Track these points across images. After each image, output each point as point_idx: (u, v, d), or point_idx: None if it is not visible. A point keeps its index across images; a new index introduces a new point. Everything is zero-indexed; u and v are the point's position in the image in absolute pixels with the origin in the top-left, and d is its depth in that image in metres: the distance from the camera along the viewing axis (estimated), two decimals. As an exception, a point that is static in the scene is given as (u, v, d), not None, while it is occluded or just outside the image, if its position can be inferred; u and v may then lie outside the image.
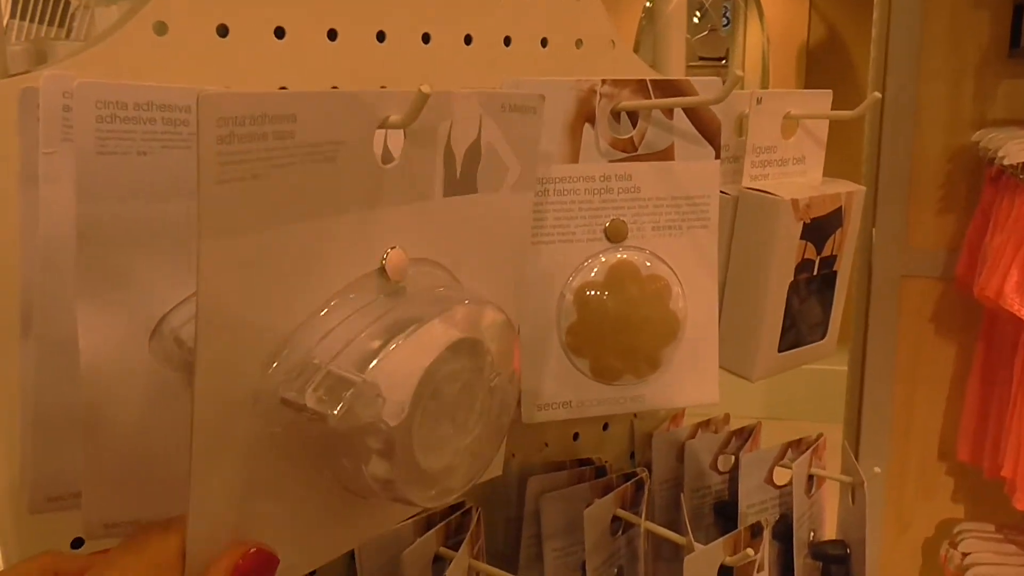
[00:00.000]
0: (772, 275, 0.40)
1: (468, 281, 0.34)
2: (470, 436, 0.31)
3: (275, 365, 0.27)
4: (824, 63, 2.67)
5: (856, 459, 1.39)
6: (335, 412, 0.26)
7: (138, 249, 0.28)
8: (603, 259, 0.37)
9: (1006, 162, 1.09)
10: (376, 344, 0.28)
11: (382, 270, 0.30)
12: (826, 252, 0.42)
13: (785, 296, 0.41)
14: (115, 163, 0.27)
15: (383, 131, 0.29)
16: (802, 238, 0.40)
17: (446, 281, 0.33)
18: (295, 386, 0.27)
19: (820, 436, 0.49)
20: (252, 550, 0.26)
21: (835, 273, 0.44)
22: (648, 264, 0.38)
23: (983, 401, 1.24)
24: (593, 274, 0.37)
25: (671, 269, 0.38)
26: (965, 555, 1.25)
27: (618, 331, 0.38)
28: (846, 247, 0.43)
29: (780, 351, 0.43)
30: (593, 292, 0.38)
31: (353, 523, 0.32)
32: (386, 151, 0.31)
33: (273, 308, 0.27)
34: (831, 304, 0.45)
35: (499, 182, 0.34)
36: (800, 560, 0.45)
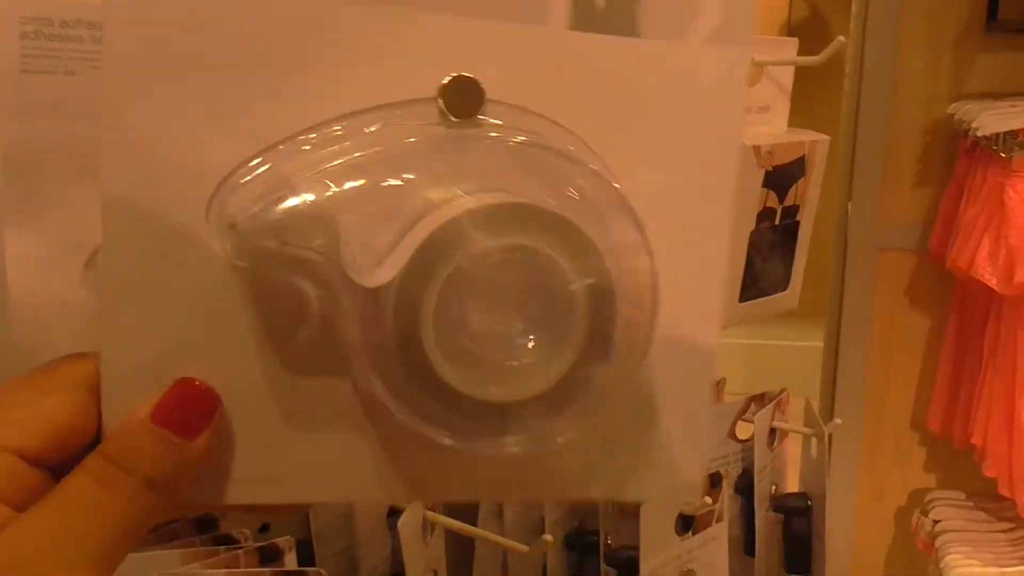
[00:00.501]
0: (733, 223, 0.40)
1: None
2: (522, 351, 0.24)
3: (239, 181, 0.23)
4: (806, 41, 2.67)
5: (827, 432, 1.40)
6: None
7: (68, 172, 0.27)
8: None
9: (980, 133, 1.10)
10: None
11: (437, 97, 0.23)
12: (788, 202, 0.42)
13: (746, 245, 0.41)
14: (40, 82, 0.25)
15: None
16: (764, 186, 0.41)
17: (566, 141, 0.25)
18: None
19: (783, 391, 0.50)
20: (191, 382, 0.23)
21: (797, 224, 0.44)
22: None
23: (955, 372, 1.26)
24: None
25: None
26: (936, 522, 1.27)
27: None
28: (809, 198, 0.44)
29: (741, 301, 0.44)
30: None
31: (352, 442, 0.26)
32: None
33: (239, 112, 0.23)
34: (793, 255, 0.45)
35: (682, 27, 0.25)
36: (762, 513, 0.46)
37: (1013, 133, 1.10)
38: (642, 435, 0.30)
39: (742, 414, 0.49)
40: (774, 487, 0.49)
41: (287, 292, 0.24)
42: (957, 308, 1.26)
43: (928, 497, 1.32)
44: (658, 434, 0.31)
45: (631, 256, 0.25)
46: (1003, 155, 1.11)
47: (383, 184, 0.23)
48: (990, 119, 1.09)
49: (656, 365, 0.29)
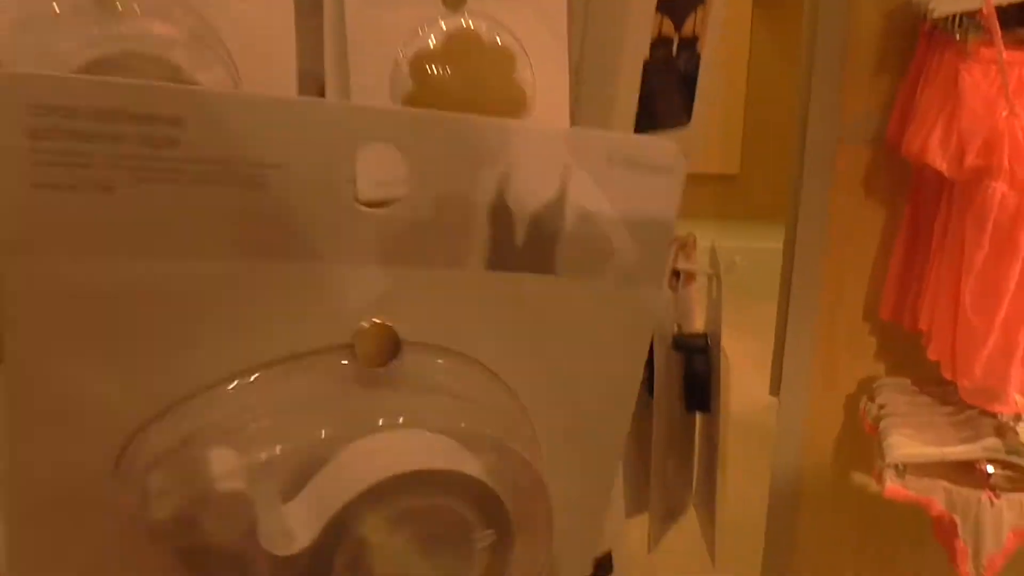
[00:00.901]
0: (625, 49, 0.40)
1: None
2: None
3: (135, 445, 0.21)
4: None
5: (786, 325, 1.43)
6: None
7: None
8: (442, 26, 0.37)
9: (935, 14, 1.09)
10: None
11: (352, 348, 0.23)
12: (686, 31, 0.42)
13: (639, 76, 0.41)
14: (61, 202, 0.19)
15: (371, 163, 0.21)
16: (658, 10, 0.40)
17: (477, 386, 0.25)
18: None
19: (689, 234, 0.50)
20: None
21: (698, 57, 0.44)
22: (491, 32, 0.38)
23: (907, 260, 1.27)
24: (431, 43, 0.37)
25: (516, 39, 0.38)
26: (882, 407, 1.31)
27: (458, 107, 0.38)
28: (710, 29, 0.43)
29: (636, 133, 0.44)
30: (431, 65, 0.37)
31: None
32: (374, 187, 0.23)
33: (140, 368, 0.21)
34: (694, 91, 0.45)
35: (598, 268, 0.26)
36: (662, 351, 0.47)
37: (970, 15, 1.09)
38: None
39: (673, 261, 0.49)
40: (677, 326, 0.50)
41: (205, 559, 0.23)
42: (912, 197, 1.27)
43: (876, 383, 1.35)
44: None
45: (532, 501, 0.25)
46: (958, 38, 1.10)
47: (295, 446, 0.23)
48: (946, 0, 1.08)
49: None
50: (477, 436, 0.25)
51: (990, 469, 1.20)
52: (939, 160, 1.11)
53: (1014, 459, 1.16)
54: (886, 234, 1.33)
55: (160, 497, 0.22)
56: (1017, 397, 1.13)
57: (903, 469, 1.21)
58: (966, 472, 1.22)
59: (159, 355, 0.21)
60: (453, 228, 0.24)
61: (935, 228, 1.19)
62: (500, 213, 0.24)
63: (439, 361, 0.25)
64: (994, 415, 1.18)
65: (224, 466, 0.22)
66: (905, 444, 1.21)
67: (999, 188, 1.07)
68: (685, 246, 0.48)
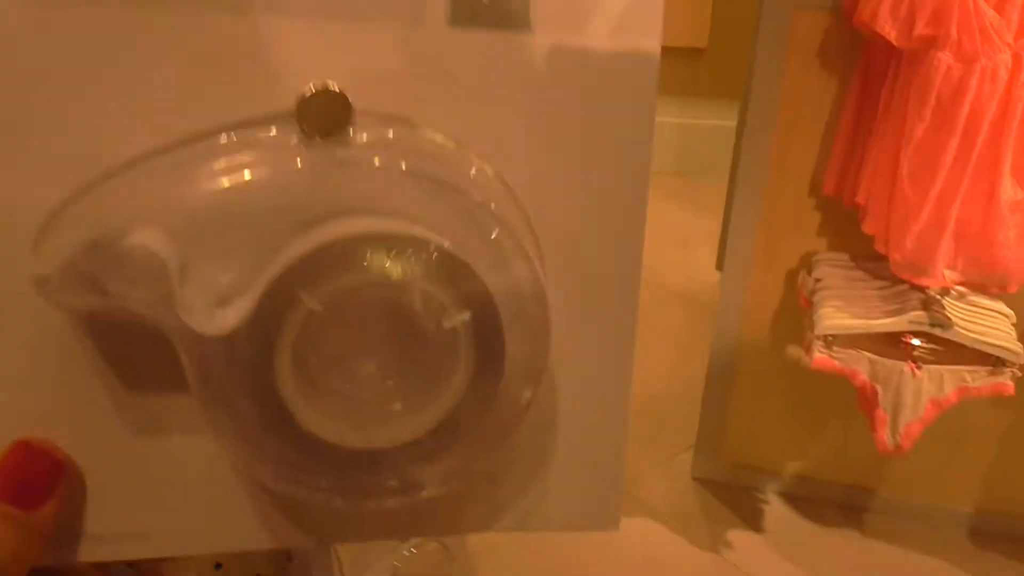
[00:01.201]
0: None
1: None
2: (392, 396, 0.21)
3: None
4: None
5: (729, 197, 1.41)
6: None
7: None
8: None
9: None
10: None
11: (295, 114, 0.19)
12: None
13: None
14: None
15: None
16: None
17: (443, 164, 0.22)
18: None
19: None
20: (29, 445, 0.21)
21: None
22: None
23: (852, 134, 1.26)
24: None
25: None
26: (818, 280, 1.33)
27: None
28: None
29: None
30: None
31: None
32: None
33: (57, 131, 0.18)
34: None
35: (581, 19, 0.22)
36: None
37: None
38: (550, 468, 0.28)
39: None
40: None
41: (129, 342, 0.21)
42: (862, 69, 1.24)
43: (814, 258, 1.37)
44: (567, 466, 0.28)
45: (513, 269, 0.22)
46: (919, -103, 1.05)
47: (227, 217, 0.19)
48: None
49: (562, 393, 0.27)
50: (440, 219, 0.22)
51: (915, 342, 1.24)
52: (888, 28, 1.09)
53: (937, 332, 1.19)
54: (836, 108, 1.32)
55: (58, 248, 0.20)
56: (945, 272, 1.15)
57: (831, 340, 1.24)
58: (893, 344, 1.25)
59: (73, 123, 0.19)
60: None
61: (880, 101, 1.17)
62: None
63: (398, 133, 0.22)
64: (923, 289, 1.21)
65: (135, 229, 0.19)
66: (833, 316, 1.24)
67: (944, 59, 1.05)
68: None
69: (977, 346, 1.18)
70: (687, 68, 2.59)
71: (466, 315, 0.21)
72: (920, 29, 1.06)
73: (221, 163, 0.20)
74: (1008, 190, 1.07)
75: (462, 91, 0.22)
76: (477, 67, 0.21)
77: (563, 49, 0.22)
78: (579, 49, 0.22)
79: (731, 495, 1.59)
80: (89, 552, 0.24)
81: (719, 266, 1.53)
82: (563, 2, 0.22)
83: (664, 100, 2.65)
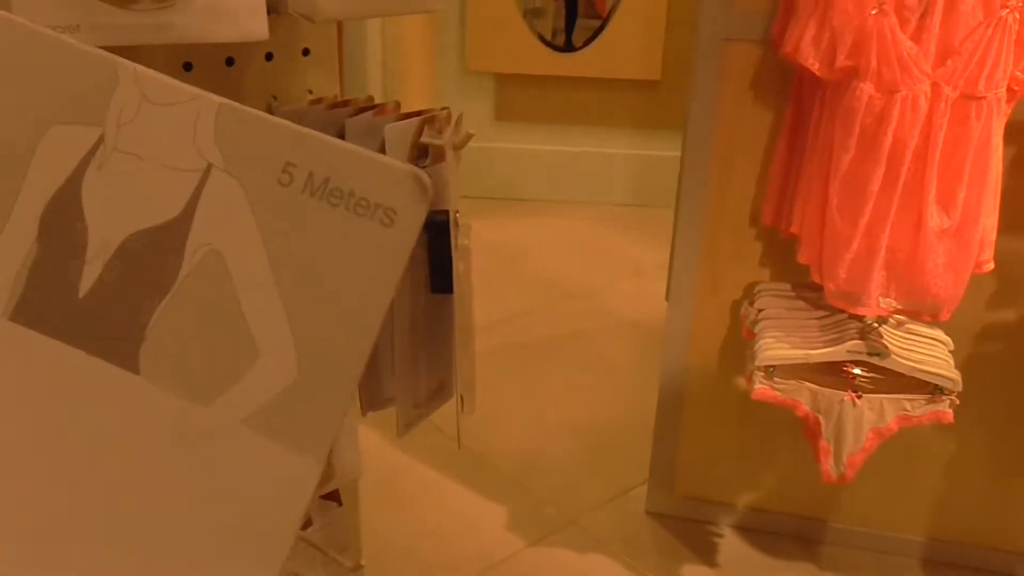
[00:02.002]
0: None
1: None
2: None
3: None
4: None
5: (675, 228, 1.41)
6: None
7: None
8: None
9: (813, -95, 1.05)
10: None
11: None
12: None
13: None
14: None
15: None
16: None
17: None
18: None
19: (444, 109, 0.48)
20: None
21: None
22: None
23: (787, 164, 1.27)
24: None
25: None
26: (760, 311, 1.32)
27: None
28: None
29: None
30: None
31: None
32: None
33: None
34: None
35: (216, 378, 0.27)
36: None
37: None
38: None
39: (418, 136, 0.47)
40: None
41: None
42: (793, 100, 1.25)
43: (757, 288, 1.36)
44: None
45: None
46: (836, -68, 1.06)
47: None
48: None
49: None
50: None
51: (856, 371, 1.23)
52: (811, 59, 1.09)
53: (875, 360, 1.18)
54: (772, 138, 1.33)
55: None
56: (880, 300, 1.15)
57: (772, 371, 1.23)
58: (834, 374, 1.24)
59: None
60: None
61: (809, 131, 1.18)
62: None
63: None
64: (861, 319, 1.20)
65: None
66: (772, 346, 1.23)
67: (866, 89, 1.06)
68: (435, 120, 0.46)
69: (915, 374, 1.18)
70: (641, 100, 2.61)
71: None
72: (841, 60, 1.07)
73: None
74: (935, 217, 1.07)
75: None
76: None
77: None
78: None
79: (685, 529, 1.57)
80: None
81: (668, 296, 1.53)
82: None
83: (619, 132, 2.66)
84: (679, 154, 2.34)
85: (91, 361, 0.27)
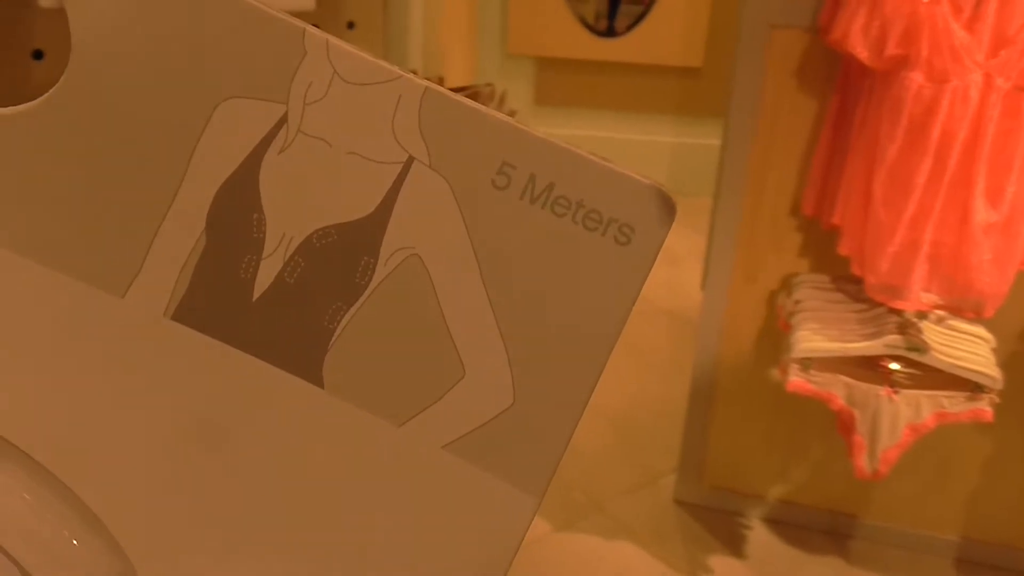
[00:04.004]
0: None
1: None
2: None
3: None
4: None
5: (713, 217, 1.40)
6: None
7: None
8: None
9: None
10: None
11: None
12: None
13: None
14: None
15: None
16: None
17: None
18: None
19: (488, 85, 0.48)
20: None
21: None
22: None
23: (830, 154, 1.25)
24: None
25: None
26: (797, 302, 1.31)
27: None
28: None
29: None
30: None
31: None
32: None
33: None
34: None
35: (409, 398, 0.23)
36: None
37: None
38: None
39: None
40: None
41: None
42: (839, 89, 1.23)
43: (795, 279, 1.35)
44: None
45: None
46: (890, -84, 1.04)
47: None
48: None
49: None
50: None
51: (893, 366, 1.21)
52: (860, 48, 1.07)
53: (914, 356, 1.17)
54: (815, 128, 1.31)
55: None
56: (922, 295, 1.13)
57: (808, 363, 1.22)
58: (871, 368, 1.23)
59: None
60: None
61: (855, 121, 1.16)
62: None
63: None
64: (901, 313, 1.19)
65: None
66: (810, 338, 1.22)
67: (916, 79, 1.03)
68: (478, 95, 0.45)
69: (954, 371, 1.16)
70: (683, 87, 2.58)
71: None
72: (891, 49, 1.05)
73: None
74: (981, 212, 1.05)
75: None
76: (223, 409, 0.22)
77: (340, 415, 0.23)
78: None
79: (713, 519, 1.56)
80: None
81: (703, 286, 1.51)
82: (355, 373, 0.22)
83: (658, 118, 2.64)
84: (719, 142, 2.32)
85: (266, 369, 0.23)
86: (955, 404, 1.18)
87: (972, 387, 1.17)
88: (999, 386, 1.16)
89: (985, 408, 1.17)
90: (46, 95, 0.23)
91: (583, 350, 0.24)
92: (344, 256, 0.23)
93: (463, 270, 0.23)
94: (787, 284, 1.37)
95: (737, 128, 1.36)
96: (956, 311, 1.14)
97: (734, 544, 1.52)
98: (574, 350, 0.24)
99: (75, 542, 0.23)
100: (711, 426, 1.55)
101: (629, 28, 2.56)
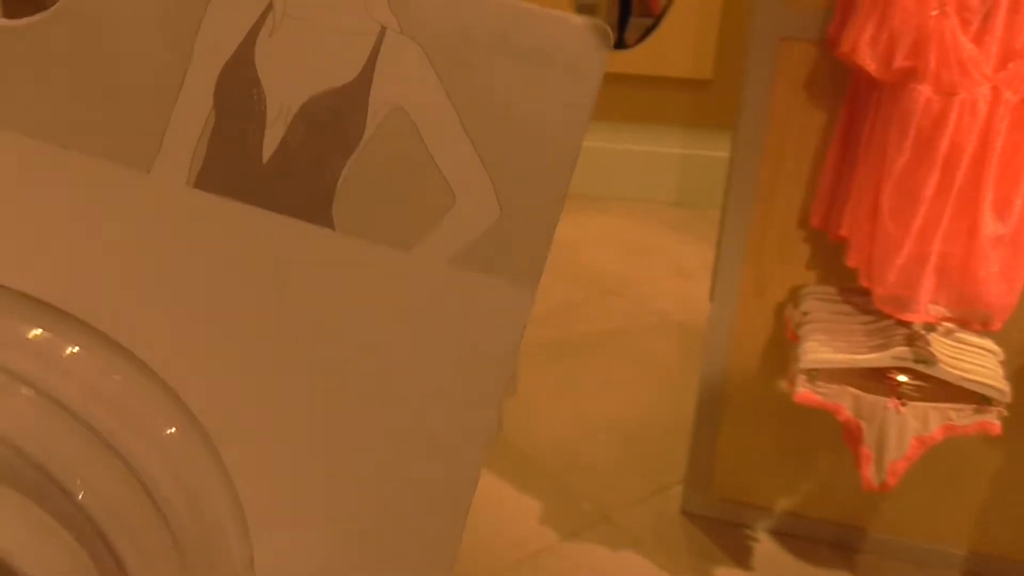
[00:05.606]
0: None
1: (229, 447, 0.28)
2: None
3: None
4: None
5: (721, 228, 1.41)
6: None
7: None
8: None
9: (875, -97, 1.04)
10: None
11: None
12: None
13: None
14: None
15: None
16: None
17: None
18: None
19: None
20: None
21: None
22: None
23: (838, 166, 1.25)
24: None
25: None
26: (805, 314, 1.31)
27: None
28: None
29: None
30: None
31: None
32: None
33: None
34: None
35: (415, 226, 0.28)
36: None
37: (913, -94, 1.04)
38: None
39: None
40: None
41: None
42: (848, 101, 1.23)
43: (802, 291, 1.35)
44: None
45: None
46: (898, -70, 1.05)
47: None
48: None
49: None
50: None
51: (901, 378, 1.21)
52: (868, 60, 1.08)
53: (921, 368, 1.16)
54: (824, 140, 1.31)
55: None
56: (929, 306, 1.13)
57: (815, 374, 1.22)
58: (878, 380, 1.23)
59: None
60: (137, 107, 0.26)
61: (863, 133, 1.16)
62: (228, 95, 0.27)
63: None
64: (909, 325, 1.18)
65: None
66: (817, 350, 1.22)
67: (924, 92, 1.04)
68: None
69: (962, 384, 1.16)
70: (691, 99, 2.59)
71: None
72: (899, 61, 1.05)
73: None
74: (990, 224, 1.05)
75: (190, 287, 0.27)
76: (240, 265, 0.27)
77: (354, 260, 0.28)
78: (377, 264, 0.28)
79: (720, 530, 1.56)
80: None
81: (712, 297, 1.52)
82: (384, 198, 0.27)
83: (668, 130, 2.65)
84: (728, 155, 2.33)
85: (284, 220, 0.27)
86: (963, 417, 1.18)
87: (980, 400, 1.17)
88: (1007, 399, 1.15)
89: (993, 421, 1.17)
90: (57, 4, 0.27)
91: (552, 162, 0.28)
92: (337, 116, 0.28)
93: (442, 114, 0.27)
94: (795, 296, 1.37)
95: (746, 140, 1.36)
96: (964, 323, 1.14)
97: (741, 556, 1.51)
98: (544, 163, 0.28)
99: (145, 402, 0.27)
100: (719, 437, 1.54)
101: (639, 40, 2.57)
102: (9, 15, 0.28)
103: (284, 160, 0.27)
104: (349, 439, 0.29)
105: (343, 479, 0.29)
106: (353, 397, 0.29)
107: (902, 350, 1.17)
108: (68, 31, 0.27)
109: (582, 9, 2.69)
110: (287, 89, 0.27)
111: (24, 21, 0.27)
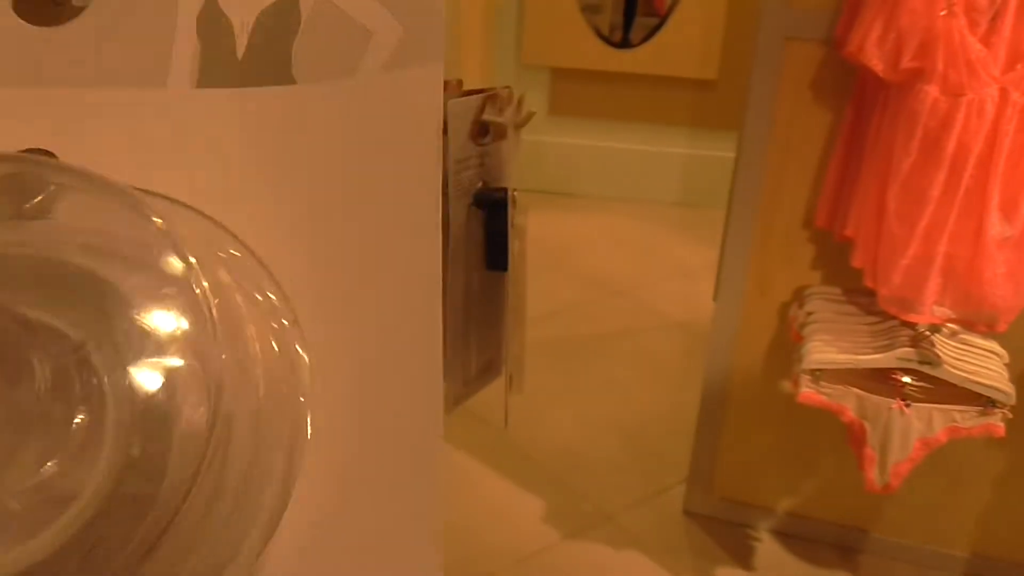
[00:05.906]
0: None
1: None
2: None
3: None
4: None
5: (725, 228, 1.40)
6: None
7: None
8: None
9: (884, -97, 1.03)
10: None
11: None
12: None
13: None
14: None
15: None
16: None
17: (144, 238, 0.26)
18: None
19: (505, 87, 0.48)
20: None
21: None
22: None
23: (844, 166, 1.25)
24: None
25: None
26: (809, 314, 1.30)
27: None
28: None
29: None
30: None
31: None
32: None
33: None
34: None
35: (351, 60, 0.29)
36: (460, 206, 0.45)
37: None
38: None
39: (479, 113, 0.48)
40: (481, 183, 0.48)
41: None
42: (854, 101, 1.23)
43: (806, 291, 1.35)
44: None
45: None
46: (906, -70, 1.04)
47: None
48: None
49: None
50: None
51: (906, 379, 1.21)
52: (875, 60, 1.08)
53: (926, 369, 1.16)
54: (829, 140, 1.31)
55: None
56: (934, 307, 1.13)
57: (819, 375, 1.22)
58: (882, 381, 1.22)
59: None
60: (140, 35, 0.24)
61: (869, 134, 1.16)
62: (208, 21, 0.25)
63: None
64: (914, 326, 1.18)
65: None
66: (821, 350, 1.22)
67: (931, 92, 1.03)
68: (496, 98, 0.46)
69: (967, 386, 1.16)
70: (696, 99, 2.58)
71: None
72: (906, 62, 1.05)
73: None
74: (996, 225, 1.05)
75: (201, 141, 0.27)
76: (218, 120, 0.27)
77: (316, 97, 0.29)
78: (346, 92, 0.29)
79: (722, 530, 1.56)
80: None
81: (716, 297, 1.51)
82: (326, 51, 0.27)
83: (673, 130, 2.64)
84: (733, 155, 2.32)
85: (265, 90, 0.30)
86: (967, 419, 1.18)
87: (985, 402, 1.16)
88: (1012, 401, 1.15)
89: (997, 423, 1.17)
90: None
91: None
92: (281, 17, 0.30)
93: None
94: (799, 296, 1.37)
95: (751, 140, 1.36)
96: (969, 325, 1.13)
97: (743, 556, 1.51)
98: None
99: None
100: (722, 438, 1.54)
101: (644, 40, 2.57)
102: (21, 14, 0.27)
103: (253, 55, 0.29)
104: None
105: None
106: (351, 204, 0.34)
107: (907, 351, 1.16)
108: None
109: (586, 9, 2.69)
110: (243, 10, 0.29)
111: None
